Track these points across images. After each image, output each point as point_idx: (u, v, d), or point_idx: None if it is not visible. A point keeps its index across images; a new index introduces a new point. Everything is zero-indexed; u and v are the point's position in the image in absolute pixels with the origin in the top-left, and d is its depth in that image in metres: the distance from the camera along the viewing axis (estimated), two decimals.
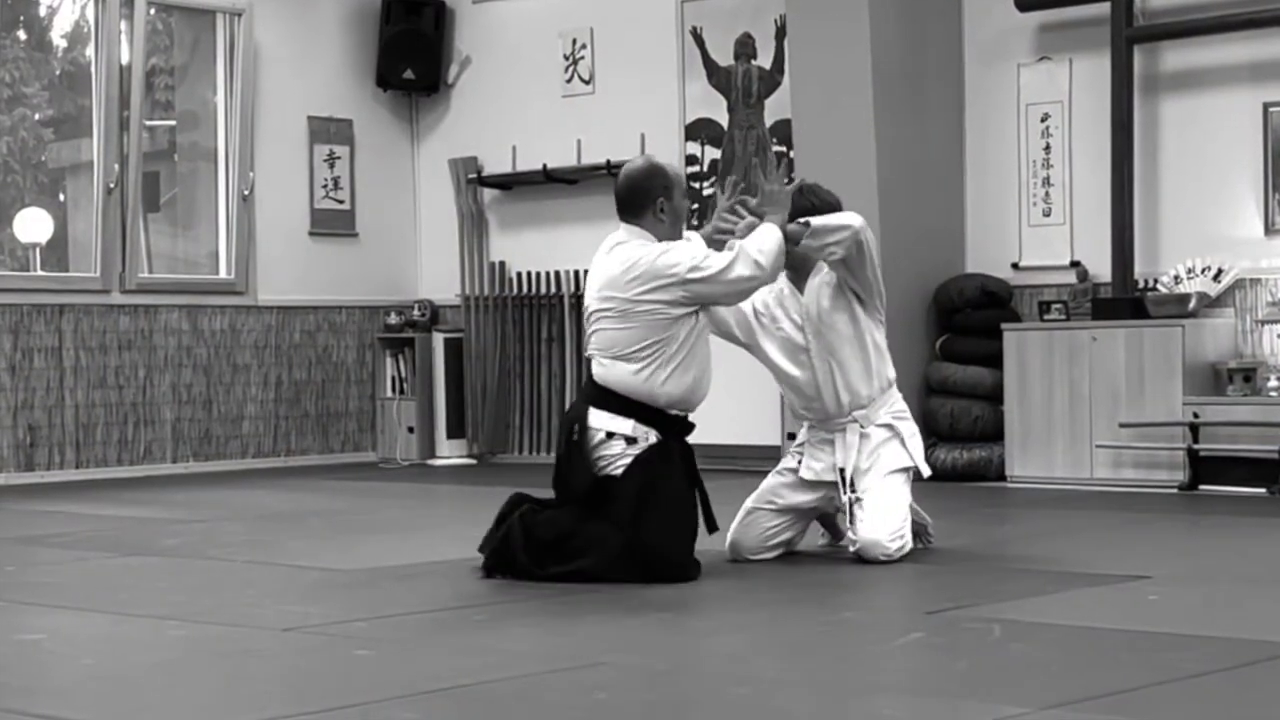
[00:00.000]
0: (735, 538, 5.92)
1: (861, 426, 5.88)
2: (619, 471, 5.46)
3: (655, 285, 5.49)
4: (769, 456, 9.60)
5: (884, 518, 5.76)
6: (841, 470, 5.85)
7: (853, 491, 5.81)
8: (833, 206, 5.92)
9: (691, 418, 5.69)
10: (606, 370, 5.55)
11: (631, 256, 5.54)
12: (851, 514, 5.81)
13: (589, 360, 5.67)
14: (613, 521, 5.43)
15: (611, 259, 5.60)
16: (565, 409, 8.68)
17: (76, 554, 6.57)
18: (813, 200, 5.89)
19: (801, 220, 5.71)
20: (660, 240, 5.60)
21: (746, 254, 5.55)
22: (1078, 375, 8.69)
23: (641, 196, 5.63)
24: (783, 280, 5.92)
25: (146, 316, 10.55)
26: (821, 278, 5.89)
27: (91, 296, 10.32)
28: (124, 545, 6.80)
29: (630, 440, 5.48)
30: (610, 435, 5.49)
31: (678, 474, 5.57)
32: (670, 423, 5.57)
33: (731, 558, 5.90)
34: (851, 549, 5.79)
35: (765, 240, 5.60)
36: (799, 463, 5.96)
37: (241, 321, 10.98)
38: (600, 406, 5.52)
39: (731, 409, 9.68)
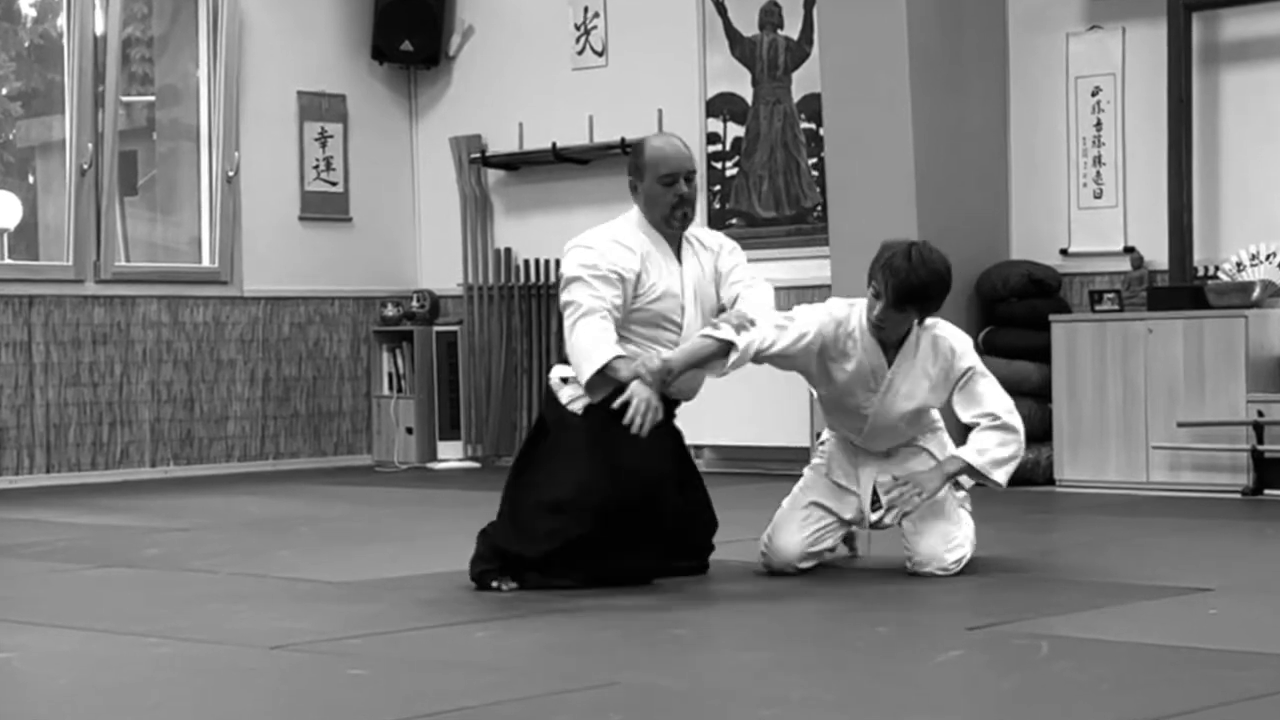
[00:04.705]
0: (779, 542, 5.85)
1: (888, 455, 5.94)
2: (578, 408, 5.65)
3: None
4: (797, 459, 9.62)
5: (941, 529, 5.77)
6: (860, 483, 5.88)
7: (875, 507, 5.82)
8: (942, 278, 5.60)
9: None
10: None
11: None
12: (880, 523, 5.83)
13: None
14: (584, 452, 5.56)
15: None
16: None
17: (48, 565, 6.59)
18: (921, 274, 5.52)
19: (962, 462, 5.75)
20: (649, 220, 5.76)
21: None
22: (1132, 371, 8.69)
23: (630, 170, 5.87)
24: (858, 318, 5.70)
25: (123, 308, 10.57)
26: (923, 368, 5.74)
27: (63, 286, 10.35)
28: (100, 556, 6.82)
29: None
30: (565, 380, 5.72)
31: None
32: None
33: (768, 569, 5.87)
34: (908, 565, 5.80)
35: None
36: (826, 462, 5.96)
37: (226, 314, 11.00)
38: (561, 362, 5.81)
39: (756, 409, 9.71)
